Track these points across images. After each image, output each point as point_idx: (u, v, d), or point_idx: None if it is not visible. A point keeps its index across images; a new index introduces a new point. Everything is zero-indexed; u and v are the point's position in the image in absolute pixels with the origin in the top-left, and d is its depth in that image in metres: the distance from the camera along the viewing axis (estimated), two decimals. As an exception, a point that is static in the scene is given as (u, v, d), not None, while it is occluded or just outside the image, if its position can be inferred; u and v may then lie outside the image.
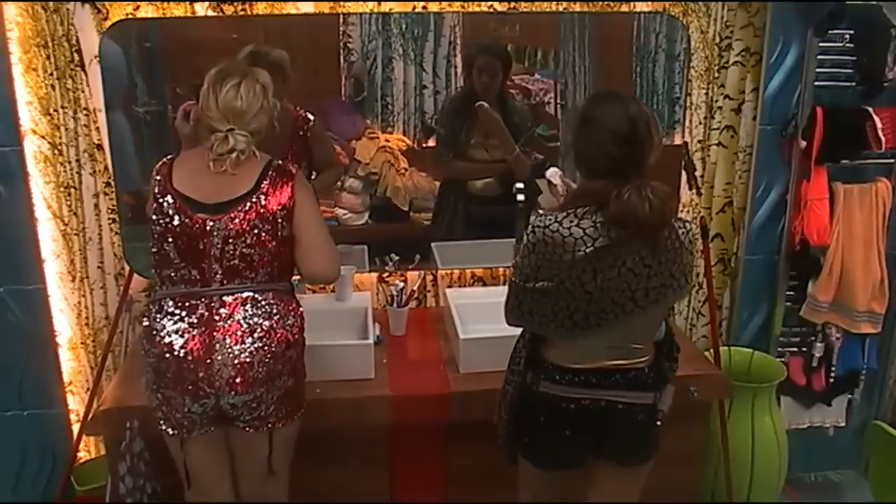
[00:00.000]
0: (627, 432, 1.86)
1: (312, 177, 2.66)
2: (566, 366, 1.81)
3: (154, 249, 1.90)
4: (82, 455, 2.70)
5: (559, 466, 1.93)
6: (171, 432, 1.93)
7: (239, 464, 2.03)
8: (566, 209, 1.71)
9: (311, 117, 2.62)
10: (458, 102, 2.77)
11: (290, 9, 2.49)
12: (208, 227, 1.84)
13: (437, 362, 2.40)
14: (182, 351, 1.84)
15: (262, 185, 1.86)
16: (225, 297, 1.86)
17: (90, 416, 2.35)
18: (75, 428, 2.66)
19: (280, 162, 1.92)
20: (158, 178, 1.89)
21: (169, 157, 1.93)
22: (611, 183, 1.65)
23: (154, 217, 1.87)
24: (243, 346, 1.84)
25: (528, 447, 1.93)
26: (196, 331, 1.85)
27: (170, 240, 1.86)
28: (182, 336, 1.84)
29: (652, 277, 1.71)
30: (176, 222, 1.85)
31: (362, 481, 2.33)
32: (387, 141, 2.78)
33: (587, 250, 1.66)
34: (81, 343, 2.65)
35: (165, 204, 1.86)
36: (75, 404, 2.69)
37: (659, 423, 1.86)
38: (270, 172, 1.88)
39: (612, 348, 1.80)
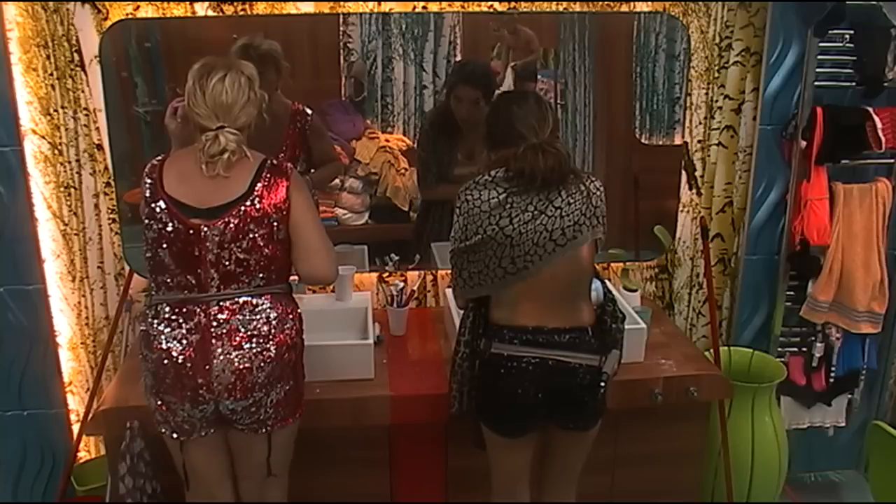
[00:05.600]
0: (574, 394, 1.96)
1: (311, 172, 2.66)
2: (513, 324, 1.93)
3: (148, 255, 1.88)
4: (82, 455, 2.71)
5: (514, 430, 2.01)
6: (170, 435, 1.93)
7: (238, 465, 2.03)
8: (483, 174, 1.95)
9: (309, 112, 2.62)
10: (438, 123, 2.72)
11: (290, 9, 2.49)
12: (203, 233, 1.81)
13: (437, 362, 2.40)
14: (180, 357, 1.83)
15: (257, 188, 1.84)
16: (222, 303, 1.85)
17: (90, 416, 2.35)
18: (75, 428, 2.66)
19: (275, 161, 1.90)
20: (149, 181, 1.86)
21: (159, 158, 1.90)
22: (516, 149, 1.90)
23: (147, 222, 1.85)
24: (241, 351, 1.84)
25: (485, 415, 2.02)
26: (194, 337, 1.84)
27: (164, 246, 1.84)
28: (180, 342, 1.84)
29: (564, 218, 1.90)
30: (170, 228, 1.82)
31: (362, 481, 2.33)
32: (387, 141, 2.78)
33: (500, 197, 1.90)
34: (81, 343, 2.65)
35: (158, 209, 1.83)
36: (75, 404, 2.69)
37: (603, 385, 1.93)
38: (264, 173, 1.86)
39: (550, 306, 1.93)
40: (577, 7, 2.62)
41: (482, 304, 1.98)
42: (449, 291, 2.64)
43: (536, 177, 1.86)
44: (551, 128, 1.95)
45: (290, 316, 1.93)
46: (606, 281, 2.23)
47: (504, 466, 2.08)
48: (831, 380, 2.90)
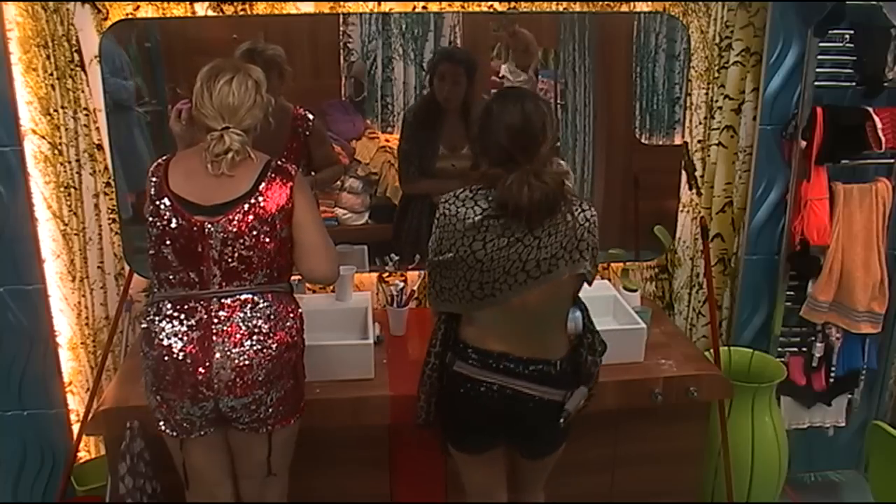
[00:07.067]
0: (531, 425, 1.91)
1: (312, 174, 2.66)
2: (477, 346, 1.88)
3: (151, 252, 1.89)
4: (82, 455, 2.71)
5: (473, 449, 2.00)
6: (170, 433, 1.93)
7: (238, 464, 2.03)
8: (465, 188, 1.86)
9: (311, 116, 2.62)
10: (422, 114, 2.70)
11: (290, 9, 2.49)
12: (206, 230, 1.83)
13: (437, 362, 2.40)
14: (181, 354, 1.83)
15: (261, 187, 1.85)
16: (224, 300, 1.86)
17: (90, 416, 2.35)
18: (75, 428, 2.66)
19: (279, 162, 1.91)
20: (154, 179, 1.87)
21: (164, 157, 1.92)
22: (505, 171, 1.77)
23: (151, 219, 1.86)
24: (242, 348, 1.84)
25: (446, 429, 2.01)
26: (195, 334, 1.84)
27: (167, 242, 1.85)
28: (181, 339, 1.84)
29: (542, 249, 1.78)
30: (173, 225, 1.83)
31: (362, 481, 2.33)
32: (387, 141, 2.78)
33: (476, 219, 1.79)
34: (81, 343, 2.65)
35: (162, 206, 1.84)
36: (75, 404, 2.69)
37: (562, 421, 1.87)
38: (269, 173, 1.88)
39: (519, 334, 1.86)
40: (577, 7, 2.62)
41: (454, 317, 1.94)
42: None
43: (521, 215, 1.75)
44: (550, 143, 1.81)
45: (291, 315, 1.93)
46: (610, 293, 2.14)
47: (472, 479, 2.08)
48: (831, 380, 2.90)
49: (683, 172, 2.81)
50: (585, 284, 1.92)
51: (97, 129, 2.51)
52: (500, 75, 2.72)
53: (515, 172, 1.74)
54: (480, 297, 1.84)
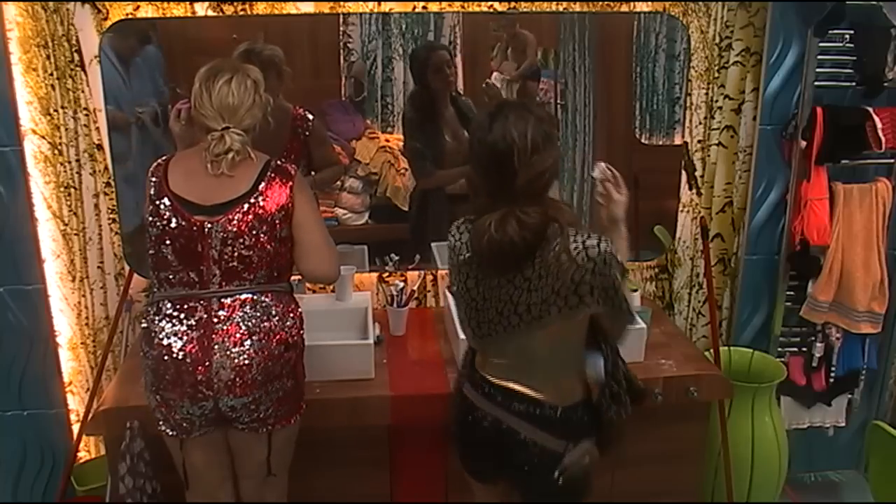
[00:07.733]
0: (524, 470, 1.77)
1: (312, 174, 2.66)
2: (484, 374, 1.80)
3: (151, 252, 1.89)
4: (82, 455, 2.71)
5: (471, 473, 1.96)
6: (170, 433, 1.93)
7: (238, 464, 2.03)
8: (466, 217, 1.76)
9: (311, 117, 2.62)
10: (420, 109, 2.72)
11: (290, 9, 2.50)
12: (206, 230, 1.83)
13: (437, 362, 2.40)
14: (181, 353, 1.83)
15: (260, 187, 1.86)
16: (223, 299, 1.86)
17: (90, 416, 2.35)
18: (75, 428, 2.66)
19: (279, 162, 1.92)
20: (154, 179, 1.88)
21: (164, 158, 1.92)
22: (489, 203, 1.64)
23: (151, 219, 1.87)
24: (242, 348, 1.84)
25: (455, 447, 1.96)
26: (194, 333, 1.84)
27: (167, 242, 1.85)
28: (181, 338, 1.84)
29: (532, 292, 1.64)
30: (173, 225, 1.84)
31: (362, 481, 2.33)
32: (387, 141, 2.79)
33: (466, 255, 1.73)
34: (81, 343, 2.65)
35: (162, 206, 1.85)
36: (75, 404, 2.69)
37: (557, 475, 1.71)
38: (269, 173, 1.88)
39: (527, 372, 1.74)
40: (577, 7, 2.62)
41: None
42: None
43: (485, 264, 1.67)
44: (536, 169, 1.58)
45: (291, 314, 1.93)
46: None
47: (477, 498, 2.04)
48: (831, 380, 2.90)
49: (683, 172, 2.81)
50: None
51: (97, 129, 2.51)
52: (492, 77, 2.75)
53: (486, 217, 1.61)
54: (479, 336, 1.78)
